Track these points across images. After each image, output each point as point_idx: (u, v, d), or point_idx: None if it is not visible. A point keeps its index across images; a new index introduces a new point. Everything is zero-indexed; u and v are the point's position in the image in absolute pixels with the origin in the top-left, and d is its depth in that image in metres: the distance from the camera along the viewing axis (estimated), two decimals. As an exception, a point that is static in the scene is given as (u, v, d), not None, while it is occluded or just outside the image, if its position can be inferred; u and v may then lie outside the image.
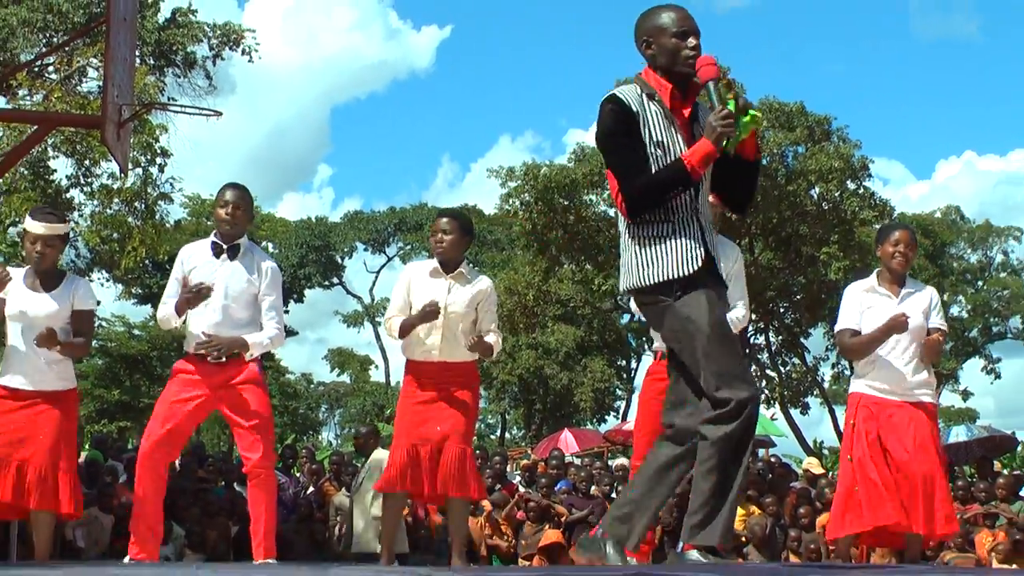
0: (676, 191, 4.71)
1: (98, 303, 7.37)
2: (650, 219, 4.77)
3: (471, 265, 7.12)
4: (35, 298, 6.61)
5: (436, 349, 6.75)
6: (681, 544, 4.78)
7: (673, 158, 4.66)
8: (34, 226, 6.72)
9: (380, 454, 11.05)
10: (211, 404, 6.51)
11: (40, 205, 21.49)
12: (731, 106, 4.59)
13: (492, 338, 6.94)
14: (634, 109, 4.74)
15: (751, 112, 4.64)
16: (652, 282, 4.71)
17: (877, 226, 34.69)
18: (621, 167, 4.81)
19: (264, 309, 6.64)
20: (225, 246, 6.54)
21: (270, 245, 46.93)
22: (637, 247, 4.79)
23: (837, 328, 7.07)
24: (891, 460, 6.67)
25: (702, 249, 4.74)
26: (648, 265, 4.74)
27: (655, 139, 4.71)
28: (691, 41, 4.74)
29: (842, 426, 7.50)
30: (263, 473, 6.51)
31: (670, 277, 4.70)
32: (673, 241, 4.75)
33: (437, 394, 6.74)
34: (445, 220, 6.96)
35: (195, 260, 6.60)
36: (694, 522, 4.71)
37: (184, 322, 6.60)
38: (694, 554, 4.69)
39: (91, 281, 32.08)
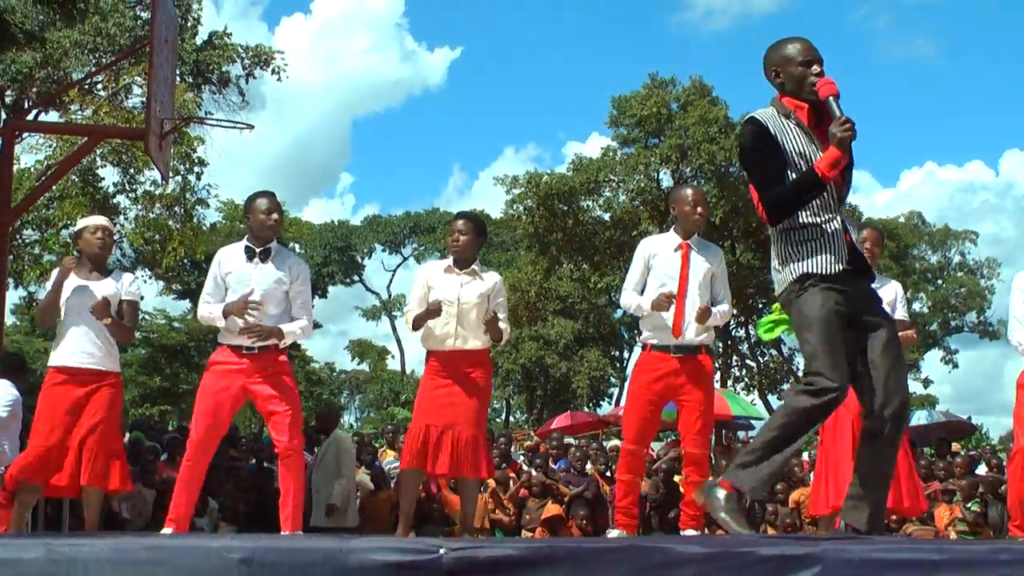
0: (810, 196, 4.75)
1: (141, 298, 7.37)
2: (793, 225, 4.82)
3: (482, 263, 7.12)
4: (89, 284, 6.68)
5: (451, 338, 6.74)
6: (720, 479, 4.80)
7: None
8: (98, 219, 6.93)
9: (338, 434, 11.29)
10: (246, 393, 6.48)
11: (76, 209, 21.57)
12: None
13: (502, 325, 6.97)
14: (770, 128, 4.80)
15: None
16: (792, 278, 4.79)
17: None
18: (760, 179, 4.87)
19: (297, 305, 6.62)
20: (258, 250, 6.54)
21: (297, 246, 46.84)
22: (783, 248, 4.86)
23: None
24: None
25: (844, 251, 4.76)
26: (790, 264, 4.81)
27: (796, 150, 4.76)
28: (815, 68, 4.79)
29: None
30: (292, 455, 6.49)
31: (806, 272, 4.75)
32: (813, 243, 4.79)
33: (453, 380, 6.73)
34: (461, 222, 6.98)
35: (231, 264, 6.57)
36: (739, 462, 4.80)
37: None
38: (721, 492, 4.75)
39: (136, 276, 32.17)
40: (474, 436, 6.72)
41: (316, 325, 6.53)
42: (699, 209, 6.67)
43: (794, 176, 4.75)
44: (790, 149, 4.77)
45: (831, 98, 4.69)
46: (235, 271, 6.54)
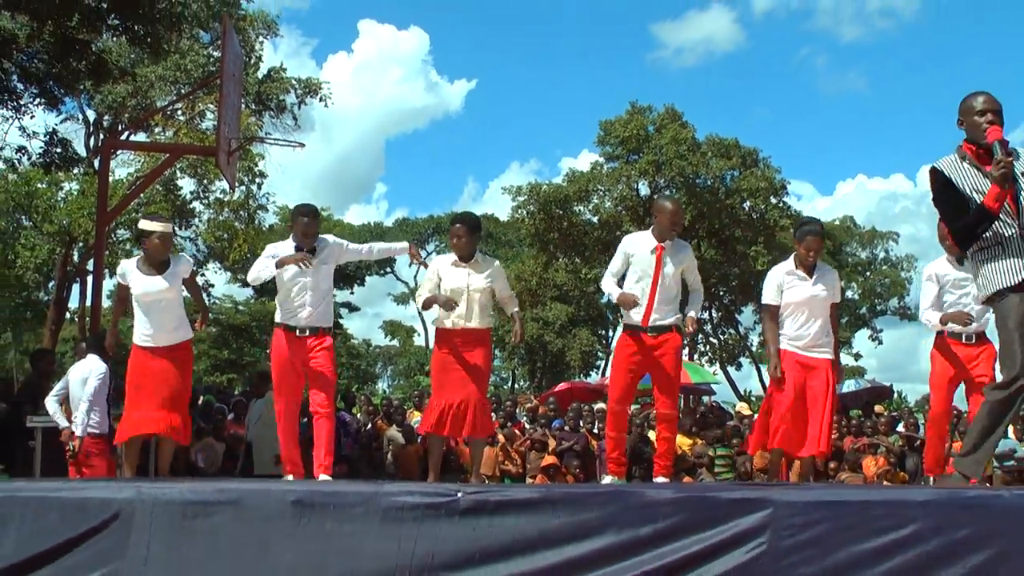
0: (983, 226, 4.80)
1: (195, 270, 7.39)
2: (983, 245, 4.86)
3: (483, 253, 7.05)
4: (153, 281, 6.64)
5: (461, 319, 6.66)
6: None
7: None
8: (158, 226, 6.80)
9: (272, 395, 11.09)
10: (303, 364, 6.49)
11: (153, 212, 21.52)
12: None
13: (513, 301, 7.04)
14: (946, 173, 4.86)
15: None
16: (990, 292, 4.84)
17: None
18: (946, 216, 5.03)
19: (355, 251, 6.88)
20: (305, 249, 6.50)
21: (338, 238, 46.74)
22: (980, 266, 4.90)
23: (763, 301, 6.93)
24: (800, 399, 6.58)
25: (1019, 268, 4.77)
26: (987, 279, 4.86)
27: (971, 186, 4.80)
28: (988, 117, 4.80)
29: (766, 377, 7.36)
30: (324, 413, 6.54)
31: (999, 287, 4.79)
32: (1001, 262, 4.80)
33: (462, 355, 6.66)
34: (458, 226, 6.85)
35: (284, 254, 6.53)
36: (961, 453, 4.92)
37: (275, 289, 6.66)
38: (956, 476, 4.90)
39: (206, 270, 32.21)
40: (481, 402, 6.69)
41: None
42: (673, 226, 6.58)
43: (972, 208, 4.80)
44: (967, 188, 4.82)
45: (996, 143, 4.71)
46: (290, 265, 6.47)
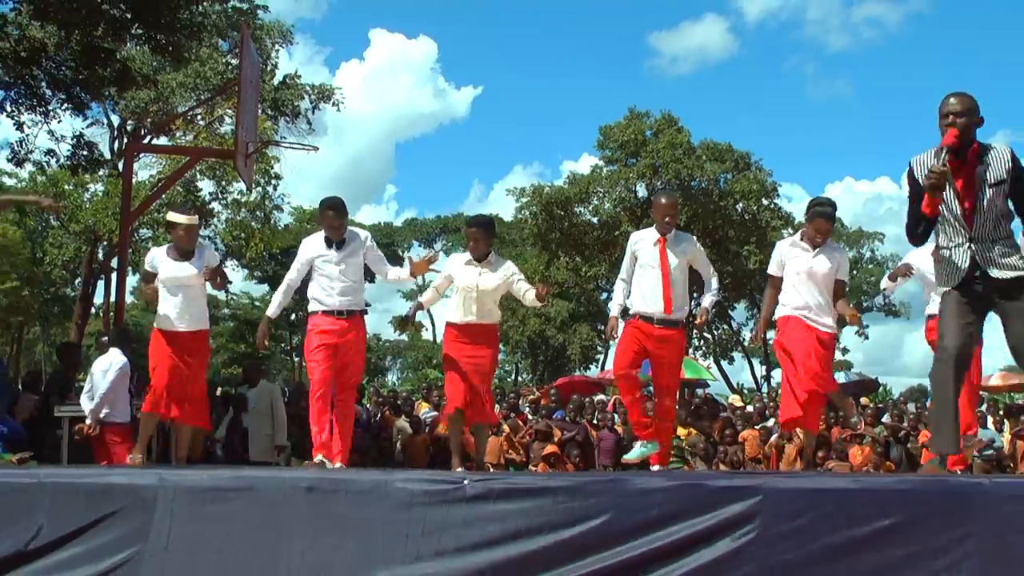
0: (921, 227, 4.86)
1: (220, 261, 7.31)
2: (939, 245, 4.93)
3: (495, 253, 6.99)
4: (180, 266, 6.62)
5: (472, 315, 6.61)
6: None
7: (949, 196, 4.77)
8: (184, 218, 6.76)
9: (268, 384, 11.02)
10: (337, 347, 6.37)
11: (180, 202, 21.54)
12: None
13: (531, 292, 6.83)
14: (914, 168, 4.85)
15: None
16: (940, 291, 4.98)
17: (785, 232, 34.78)
18: (908, 209, 4.97)
19: (378, 260, 6.69)
20: (334, 240, 6.46)
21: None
22: (936, 263, 4.99)
23: (768, 272, 6.86)
24: (793, 366, 6.48)
25: (959, 272, 4.80)
26: (937, 278, 5.02)
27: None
28: (948, 120, 4.72)
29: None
30: (348, 400, 6.51)
31: (942, 289, 4.92)
32: (946, 265, 4.86)
33: (470, 349, 6.62)
34: (474, 228, 6.82)
35: (315, 249, 6.51)
36: (931, 436, 5.13)
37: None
38: (934, 460, 4.94)
39: (225, 266, 32.27)
40: (487, 390, 6.69)
41: (367, 304, 6.35)
42: (666, 219, 6.50)
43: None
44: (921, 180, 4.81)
45: (944, 148, 4.68)
46: (321, 254, 6.48)
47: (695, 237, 6.81)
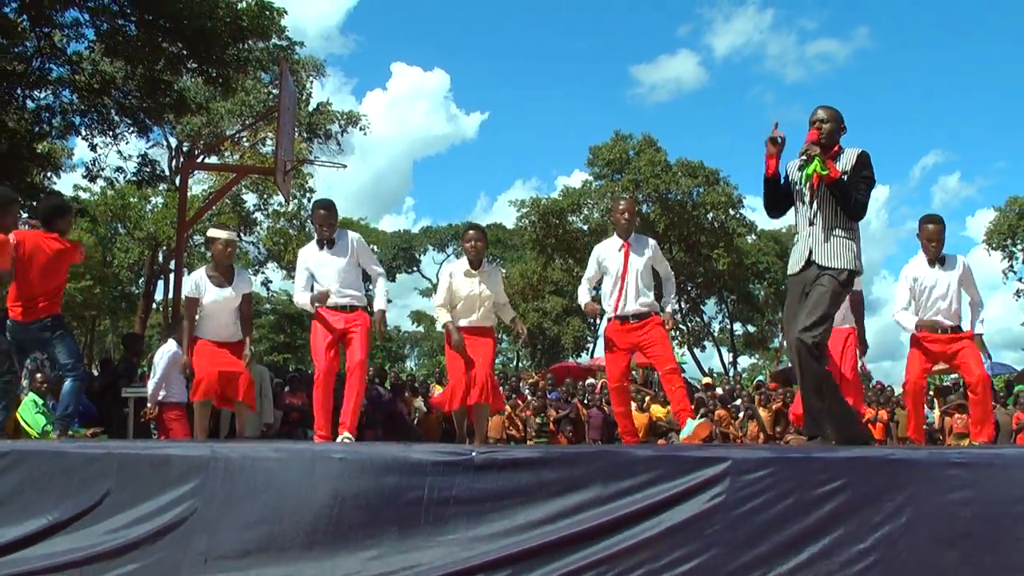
0: (767, 195, 4.85)
1: (259, 284, 7.09)
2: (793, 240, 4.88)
3: (489, 260, 6.79)
4: (221, 291, 6.39)
5: (475, 319, 6.44)
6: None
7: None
8: (223, 234, 6.57)
9: (259, 367, 10.52)
10: (341, 336, 6.18)
11: (222, 222, 21.53)
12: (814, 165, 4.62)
13: (507, 310, 6.75)
14: (789, 168, 4.88)
15: (813, 162, 4.62)
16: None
17: (750, 238, 34.90)
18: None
19: (370, 263, 6.40)
20: (325, 241, 6.23)
21: (375, 247, 46.88)
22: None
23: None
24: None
25: (800, 259, 4.73)
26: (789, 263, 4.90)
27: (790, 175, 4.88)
28: (816, 124, 4.75)
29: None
30: (358, 370, 6.21)
31: (790, 272, 4.83)
32: (792, 254, 4.82)
33: (473, 344, 6.40)
34: (474, 232, 6.57)
35: (310, 255, 6.28)
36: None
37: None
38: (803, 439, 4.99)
39: (267, 269, 32.29)
40: (490, 378, 6.44)
41: (388, 300, 6.02)
42: (625, 215, 6.32)
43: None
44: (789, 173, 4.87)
45: (809, 143, 4.69)
46: (312, 257, 6.26)
47: (665, 247, 6.61)
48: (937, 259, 6.19)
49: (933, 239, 6.17)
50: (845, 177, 4.63)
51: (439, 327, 6.72)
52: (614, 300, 6.27)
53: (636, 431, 6.67)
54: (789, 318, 4.73)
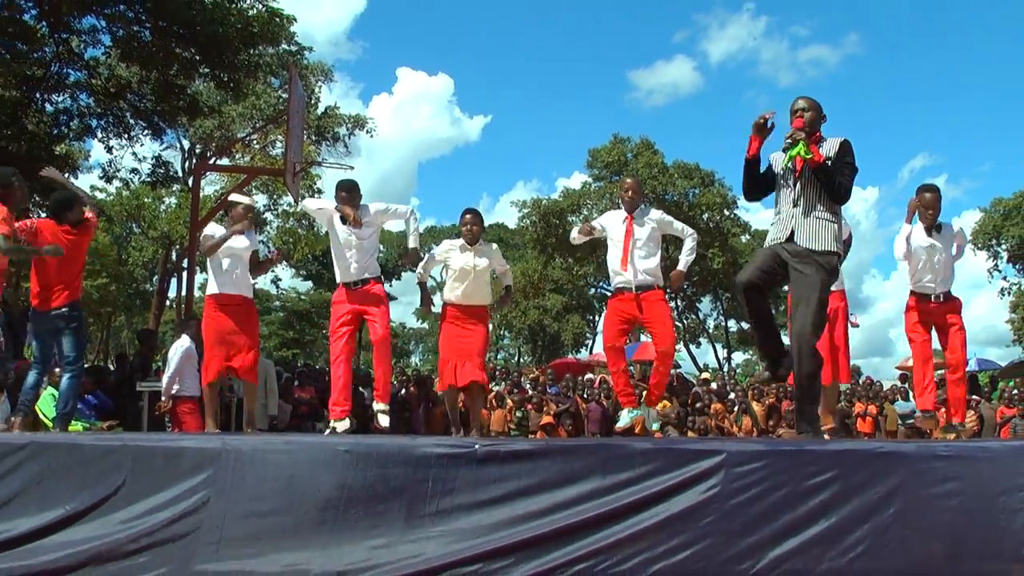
0: (747, 177, 4.80)
1: (262, 243, 7.04)
2: (773, 220, 4.87)
3: (482, 240, 6.60)
4: (238, 239, 6.35)
5: (466, 296, 6.35)
6: None
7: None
8: (244, 199, 6.65)
9: (264, 361, 10.44)
10: (358, 312, 6.07)
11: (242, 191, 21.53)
12: (799, 148, 4.63)
13: (507, 276, 6.75)
14: (770, 157, 4.92)
15: (798, 146, 4.63)
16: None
17: (744, 238, 34.88)
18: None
19: (396, 213, 6.31)
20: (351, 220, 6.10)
21: (382, 246, 46.76)
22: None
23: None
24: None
25: (777, 233, 4.75)
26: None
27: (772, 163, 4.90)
28: (798, 113, 4.76)
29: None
30: (383, 341, 6.10)
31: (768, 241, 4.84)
32: (777, 221, 4.81)
33: (465, 326, 6.33)
34: (470, 216, 6.50)
35: (336, 225, 6.16)
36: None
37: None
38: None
39: (275, 268, 32.25)
40: (481, 363, 6.38)
41: (392, 297, 5.95)
42: (629, 193, 6.33)
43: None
44: (772, 163, 4.89)
45: (794, 130, 4.69)
46: (334, 233, 6.19)
47: (663, 245, 6.56)
48: (934, 226, 6.24)
49: (930, 207, 6.22)
50: (829, 162, 4.64)
51: (419, 270, 6.71)
52: (618, 269, 6.24)
53: (633, 393, 6.60)
54: (755, 258, 4.83)
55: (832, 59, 66.12)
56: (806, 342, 4.55)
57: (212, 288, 6.39)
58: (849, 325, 6.74)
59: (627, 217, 6.28)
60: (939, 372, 7.33)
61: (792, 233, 4.67)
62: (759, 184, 4.88)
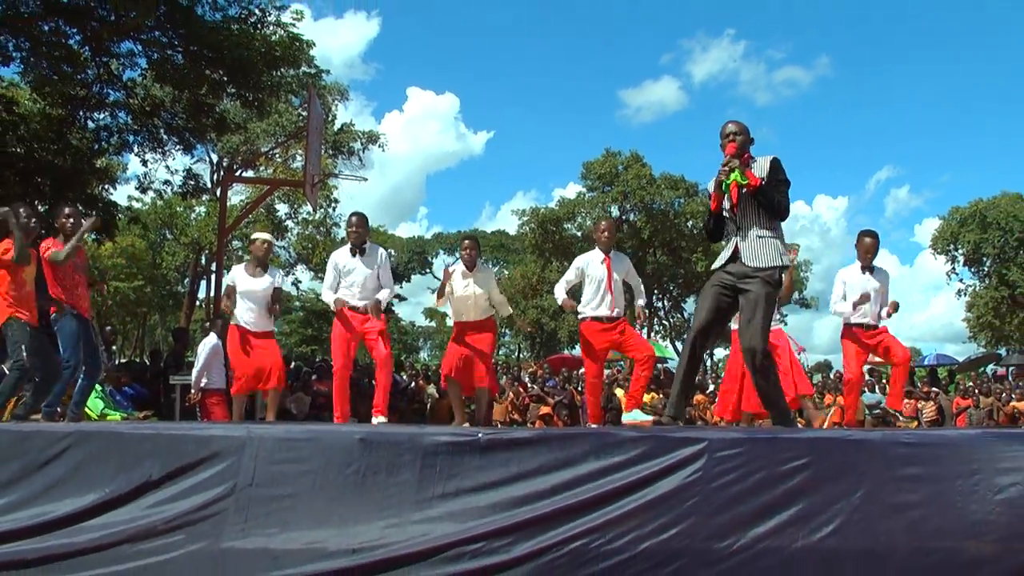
0: (710, 222, 4.76)
1: (290, 281, 7.15)
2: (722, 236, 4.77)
3: (482, 261, 6.87)
4: (257, 280, 6.49)
5: (467, 315, 6.59)
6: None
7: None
8: (263, 235, 6.80)
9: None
10: (359, 336, 6.23)
11: (259, 228, 21.60)
12: (735, 175, 4.52)
13: (504, 307, 6.81)
14: (711, 182, 4.77)
15: (734, 173, 4.53)
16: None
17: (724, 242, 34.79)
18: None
19: (385, 277, 6.37)
20: (357, 248, 6.32)
21: (392, 251, 46.81)
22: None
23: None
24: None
25: (724, 257, 4.65)
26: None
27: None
28: (729, 137, 4.63)
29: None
30: (387, 364, 6.24)
31: (715, 266, 4.74)
32: (723, 248, 4.72)
33: (471, 338, 6.56)
34: (468, 241, 6.77)
35: (342, 258, 6.34)
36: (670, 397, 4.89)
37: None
38: (665, 418, 4.78)
39: (296, 270, 32.34)
40: (489, 367, 6.57)
41: (403, 298, 6.14)
42: (605, 234, 6.43)
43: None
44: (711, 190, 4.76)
45: (729, 157, 4.58)
46: (343, 262, 6.31)
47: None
48: (868, 267, 6.49)
49: (869, 251, 6.48)
50: (763, 182, 4.53)
51: (438, 302, 6.81)
52: (597, 302, 6.32)
53: (601, 417, 6.90)
54: (703, 300, 4.70)
55: (805, 80, 66.15)
56: (759, 352, 4.51)
57: (239, 318, 6.52)
58: (796, 353, 6.98)
59: (605, 258, 6.40)
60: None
61: (736, 254, 4.60)
62: (721, 229, 4.81)
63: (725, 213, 4.69)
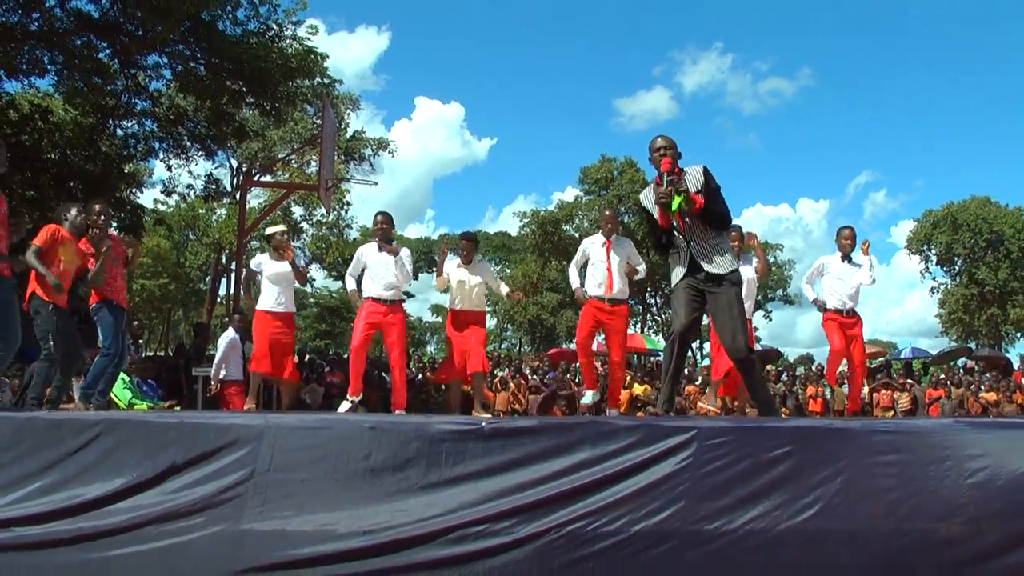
0: (661, 237, 4.63)
1: (304, 266, 7.27)
2: (672, 251, 4.65)
3: (479, 256, 6.99)
4: (280, 264, 6.66)
5: (463, 304, 6.65)
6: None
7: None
8: (282, 230, 6.91)
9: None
10: (379, 325, 6.27)
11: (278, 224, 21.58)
12: (678, 200, 4.39)
13: (501, 287, 6.89)
14: (643, 203, 4.69)
15: (680, 194, 4.42)
16: (672, 285, 4.71)
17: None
18: (648, 232, 4.78)
19: (402, 267, 6.36)
20: (383, 243, 6.38)
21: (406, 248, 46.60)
22: (671, 267, 4.68)
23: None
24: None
25: (683, 269, 4.58)
26: (672, 276, 4.70)
27: (651, 207, 4.65)
28: (660, 152, 4.53)
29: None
30: (400, 360, 6.37)
31: (672, 284, 4.69)
32: (675, 268, 4.66)
33: (466, 328, 6.65)
34: (465, 242, 6.82)
35: (369, 251, 6.42)
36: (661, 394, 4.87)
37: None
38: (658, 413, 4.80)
39: (311, 270, 32.37)
40: (480, 348, 6.64)
41: (411, 295, 6.30)
42: (608, 225, 6.48)
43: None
44: (652, 209, 4.62)
45: (664, 173, 4.45)
46: (370, 255, 6.39)
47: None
48: (847, 257, 6.78)
49: (847, 241, 6.80)
50: (707, 202, 4.43)
51: (438, 287, 6.89)
52: (596, 283, 6.40)
53: (597, 381, 6.86)
54: (678, 304, 4.64)
55: (789, 90, 66.21)
56: (742, 350, 4.49)
57: (263, 305, 6.64)
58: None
59: (606, 242, 6.46)
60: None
61: (695, 266, 4.54)
62: (671, 243, 4.72)
63: (674, 229, 4.63)
